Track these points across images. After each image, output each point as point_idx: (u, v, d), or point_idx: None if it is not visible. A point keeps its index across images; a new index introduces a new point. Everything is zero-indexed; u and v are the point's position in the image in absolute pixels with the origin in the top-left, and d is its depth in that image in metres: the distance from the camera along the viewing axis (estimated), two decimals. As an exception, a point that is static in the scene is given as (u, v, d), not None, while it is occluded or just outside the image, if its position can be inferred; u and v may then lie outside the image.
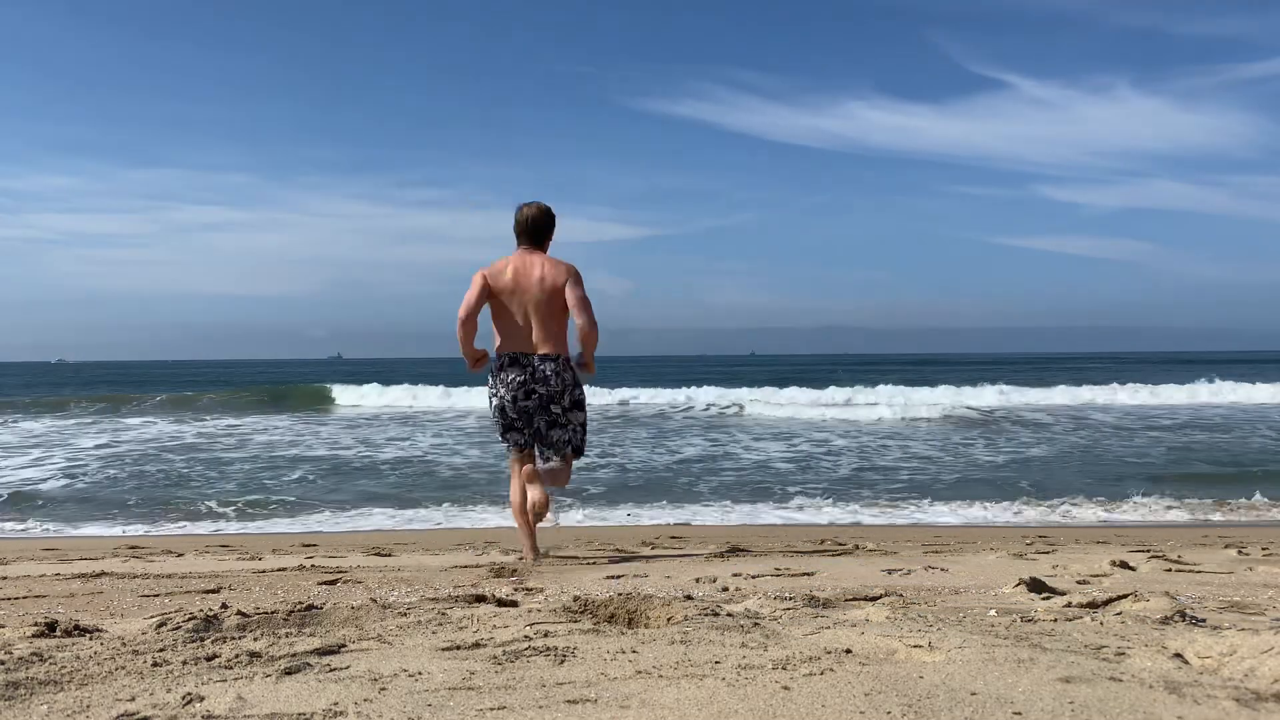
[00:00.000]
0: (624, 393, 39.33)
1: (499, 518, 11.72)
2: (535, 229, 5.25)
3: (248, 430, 25.44)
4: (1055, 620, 3.68)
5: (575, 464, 5.80)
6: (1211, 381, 40.08)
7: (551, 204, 5.52)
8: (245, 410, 33.67)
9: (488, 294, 5.21)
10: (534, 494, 5.48)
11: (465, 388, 37.45)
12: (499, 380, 5.31)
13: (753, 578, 6.09)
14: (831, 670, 2.77)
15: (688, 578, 6.20)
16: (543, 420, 5.37)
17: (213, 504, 13.18)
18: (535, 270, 5.17)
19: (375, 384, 42.34)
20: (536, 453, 5.57)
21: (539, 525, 5.89)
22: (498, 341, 5.37)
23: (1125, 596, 4.14)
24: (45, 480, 15.74)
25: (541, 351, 5.25)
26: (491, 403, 5.45)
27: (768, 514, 12.40)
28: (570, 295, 5.20)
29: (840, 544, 8.74)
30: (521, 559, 6.00)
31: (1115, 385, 40.80)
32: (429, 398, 37.46)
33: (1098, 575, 5.93)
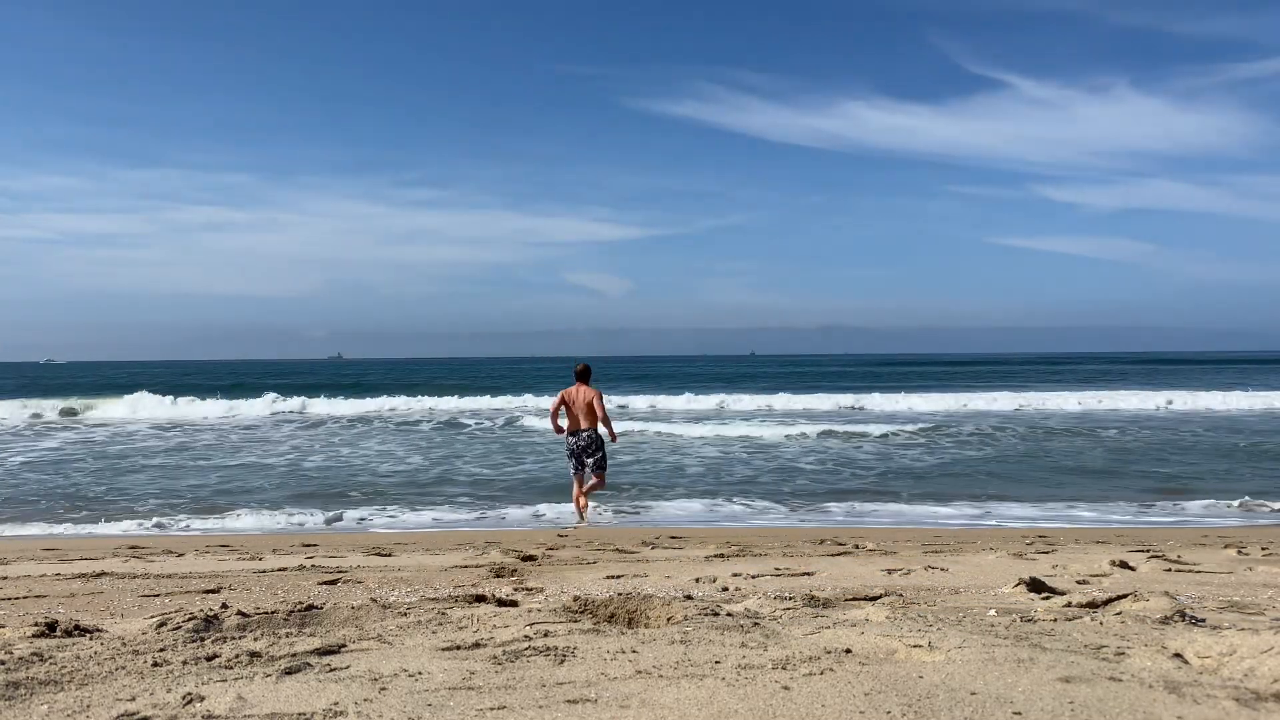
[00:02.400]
0: (390, 400, 37.74)
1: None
2: (584, 375, 11.03)
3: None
4: (1055, 620, 3.68)
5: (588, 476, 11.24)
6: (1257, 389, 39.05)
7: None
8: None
9: (561, 402, 11.02)
10: (585, 501, 10.90)
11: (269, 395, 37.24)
12: (569, 440, 11.00)
13: (753, 578, 6.10)
14: (831, 670, 2.77)
15: (688, 578, 6.21)
16: (587, 455, 10.88)
17: None
18: (582, 394, 10.86)
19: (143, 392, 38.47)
20: (584, 469, 10.93)
21: (587, 519, 10.78)
22: (567, 422, 11.10)
23: (1125, 596, 4.14)
24: None
25: (584, 427, 10.91)
26: (566, 449, 11.15)
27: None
28: (597, 405, 10.84)
29: (840, 544, 8.74)
30: (578, 526, 10.49)
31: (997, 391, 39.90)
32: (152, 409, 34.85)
33: (1098, 575, 5.93)
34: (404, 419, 31.54)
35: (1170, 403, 34.98)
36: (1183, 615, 3.74)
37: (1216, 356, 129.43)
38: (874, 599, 4.61)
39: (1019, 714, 2.35)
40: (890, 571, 6.32)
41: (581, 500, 10.81)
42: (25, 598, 5.73)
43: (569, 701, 2.54)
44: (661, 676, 2.75)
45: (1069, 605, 4.18)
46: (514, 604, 4.47)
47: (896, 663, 2.88)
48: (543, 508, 12.29)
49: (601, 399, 10.80)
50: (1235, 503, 12.55)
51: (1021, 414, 32.11)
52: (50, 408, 35.31)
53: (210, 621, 3.60)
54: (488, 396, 40.55)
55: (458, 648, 3.20)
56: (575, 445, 10.77)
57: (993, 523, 11.27)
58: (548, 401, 26.82)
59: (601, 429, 11.04)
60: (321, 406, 36.57)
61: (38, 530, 11.43)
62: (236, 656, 3.06)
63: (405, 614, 3.98)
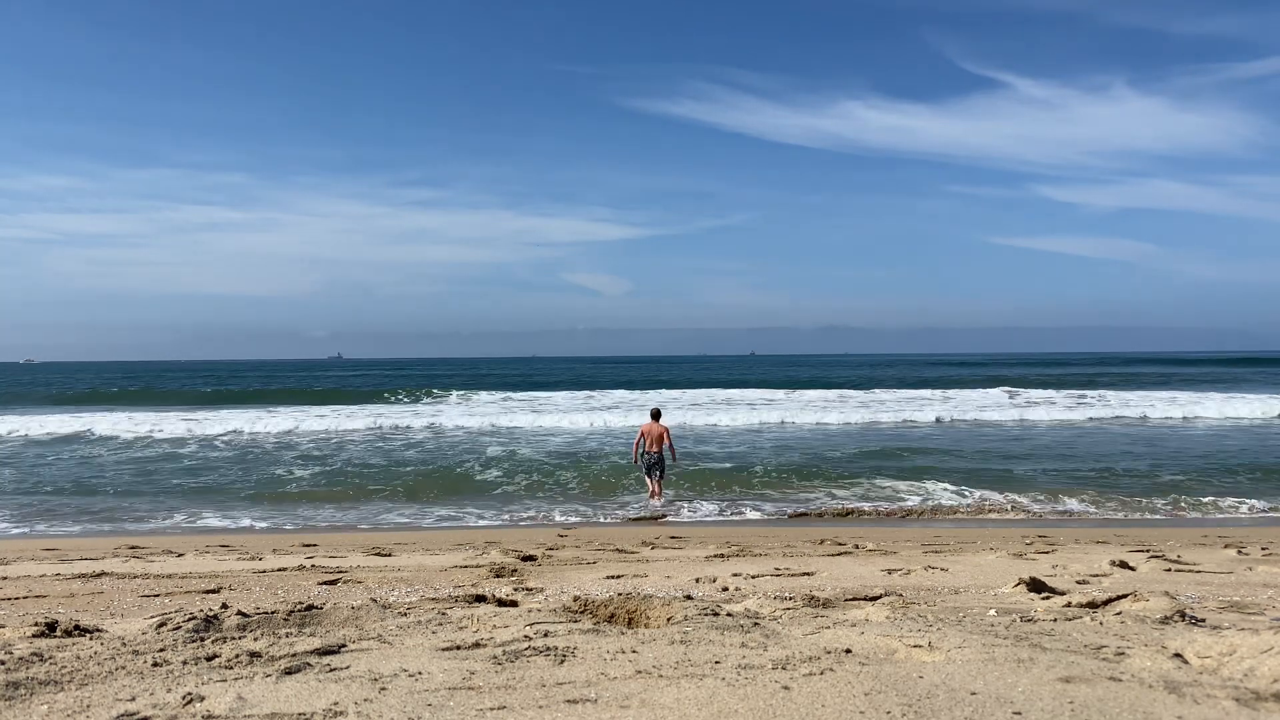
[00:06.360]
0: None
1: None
2: (656, 415, 15.72)
3: None
4: (1055, 620, 3.68)
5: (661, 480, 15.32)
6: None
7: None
8: None
9: (641, 435, 15.24)
10: (653, 497, 14.63)
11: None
12: (645, 457, 15.06)
13: (753, 578, 6.10)
14: (831, 670, 2.77)
15: (688, 578, 6.21)
16: (655, 468, 14.94)
17: None
18: (655, 427, 15.25)
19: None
20: (652, 476, 14.93)
21: (656, 504, 14.29)
22: (643, 448, 15.19)
23: (1125, 596, 4.14)
24: None
25: (654, 450, 15.08)
26: (644, 463, 15.08)
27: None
28: (666, 437, 15.23)
29: (840, 544, 8.74)
30: (649, 506, 14.24)
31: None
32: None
33: (1098, 575, 5.93)
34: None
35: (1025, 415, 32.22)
36: (1183, 615, 3.74)
37: (1214, 357, 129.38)
38: (874, 599, 4.61)
39: (1019, 714, 2.34)
40: (890, 571, 6.32)
41: (656, 492, 14.77)
42: (25, 598, 5.73)
43: (569, 701, 2.54)
44: (661, 676, 2.75)
45: (1069, 605, 4.18)
46: (514, 604, 4.47)
47: (896, 663, 2.87)
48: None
49: (669, 432, 15.37)
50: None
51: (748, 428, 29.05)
52: None
53: (210, 621, 3.60)
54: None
55: (458, 648, 3.20)
56: (648, 462, 15.00)
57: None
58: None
59: (669, 454, 15.47)
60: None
61: None
62: (236, 656, 3.05)
63: (405, 614, 3.98)
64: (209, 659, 3.05)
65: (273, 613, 3.85)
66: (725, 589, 5.54)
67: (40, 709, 2.54)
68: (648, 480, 15.08)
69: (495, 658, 3.03)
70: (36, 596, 5.78)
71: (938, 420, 30.07)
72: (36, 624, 3.66)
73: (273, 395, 50.44)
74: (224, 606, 4.26)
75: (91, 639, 3.46)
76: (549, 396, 47.39)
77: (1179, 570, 6.20)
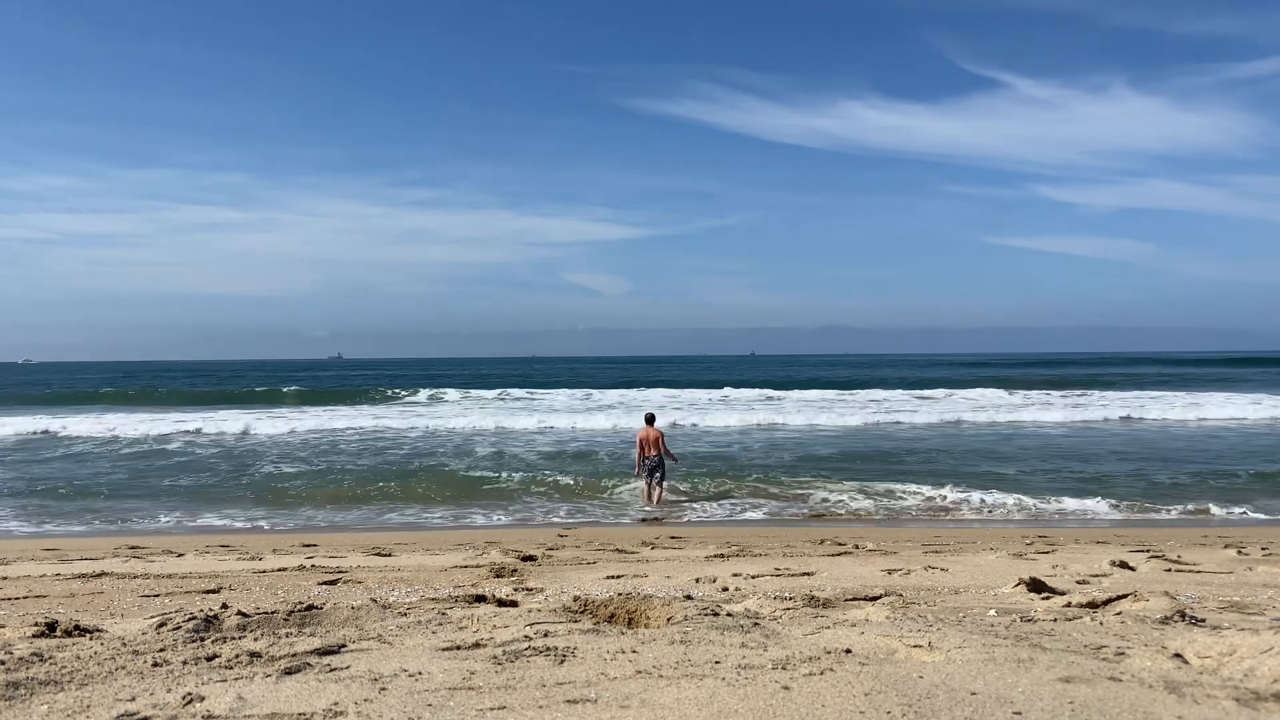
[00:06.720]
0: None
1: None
2: (651, 420, 15.72)
3: None
4: (1055, 620, 3.68)
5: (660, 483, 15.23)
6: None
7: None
8: None
9: (640, 442, 15.03)
10: (659, 495, 14.61)
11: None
12: (644, 462, 14.85)
13: (753, 578, 6.10)
14: (831, 670, 2.77)
15: (688, 578, 6.21)
16: (655, 472, 14.70)
17: None
18: (652, 432, 15.08)
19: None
20: (652, 480, 14.75)
21: (655, 508, 14.13)
22: (641, 454, 14.96)
23: (1125, 596, 4.14)
24: None
25: (652, 455, 14.83)
26: (642, 468, 14.82)
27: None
28: (662, 442, 14.98)
29: (840, 544, 8.74)
30: (647, 509, 14.19)
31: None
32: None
33: (1098, 575, 5.93)
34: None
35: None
36: (1183, 615, 3.74)
37: (1214, 357, 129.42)
38: (874, 599, 4.61)
39: (1019, 714, 2.34)
40: (890, 571, 6.32)
41: (655, 495, 14.62)
42: (25, 598, 5.73)
43: (569, 701, 2.54)
44: (661, 676, 2.75)
45: (1069, 605, 4.18)
46: (514, 604, 4.47)
47: (896, 663, 2.87)
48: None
49: (664, 437, 15.31)
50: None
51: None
52: None
53: (210, 622, 3.60)
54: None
55: (458, 648, 3.20)
56: (647, 465, 14.89)
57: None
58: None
59: (667, 457, 15.43)
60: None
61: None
62: (236, 656, 3.05)
63: (405, 614, 3.98)
64: (209, 659, 3.05)
65: (273, 613, 3.85)
66: (725, 589, 5.54)
67: (40, 709, 2.54)
68: (646, 485, 14.79)
69: (495, 658, 3.03)
70: (36, 596, 5.78)
71: (938, 420, 30.04)
72: (36, 624, 3.66)
73: (272, 395, 50.64)
74: (224, 606, 4.26)
75: (91, 639, 3.46)
76: (549, 396, 47.46)
77: (1179, 570, 6.20)
